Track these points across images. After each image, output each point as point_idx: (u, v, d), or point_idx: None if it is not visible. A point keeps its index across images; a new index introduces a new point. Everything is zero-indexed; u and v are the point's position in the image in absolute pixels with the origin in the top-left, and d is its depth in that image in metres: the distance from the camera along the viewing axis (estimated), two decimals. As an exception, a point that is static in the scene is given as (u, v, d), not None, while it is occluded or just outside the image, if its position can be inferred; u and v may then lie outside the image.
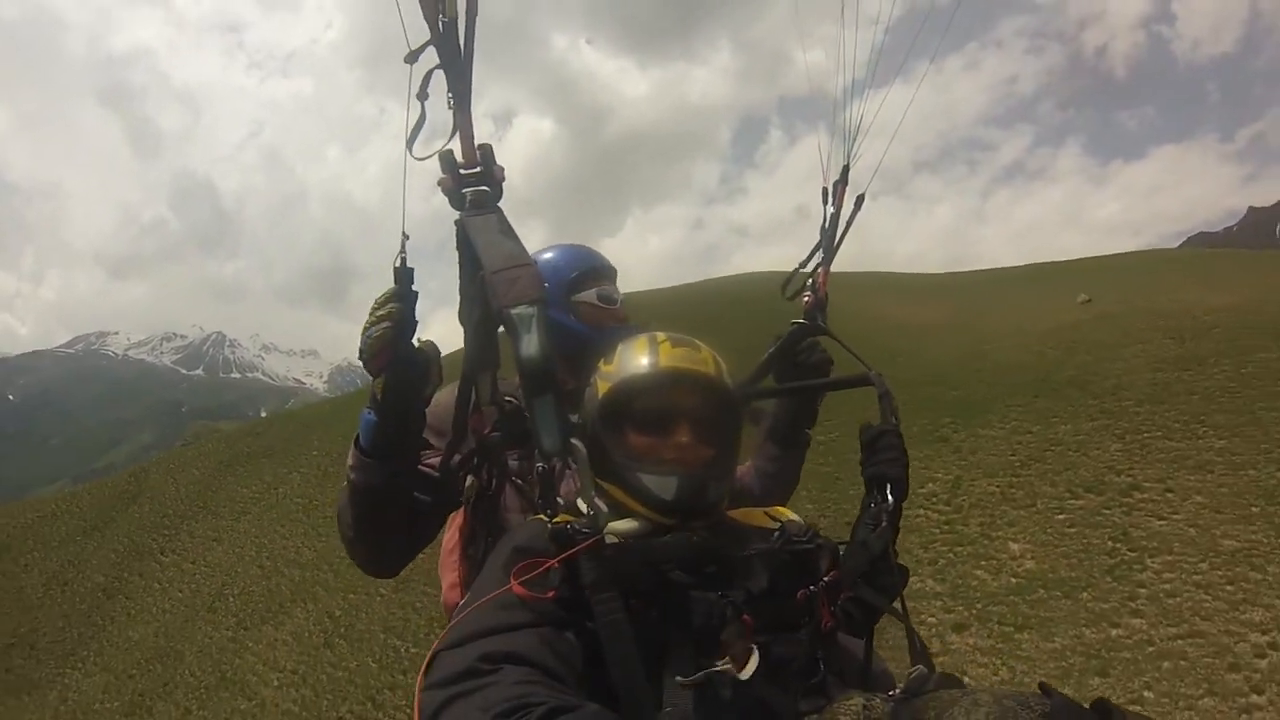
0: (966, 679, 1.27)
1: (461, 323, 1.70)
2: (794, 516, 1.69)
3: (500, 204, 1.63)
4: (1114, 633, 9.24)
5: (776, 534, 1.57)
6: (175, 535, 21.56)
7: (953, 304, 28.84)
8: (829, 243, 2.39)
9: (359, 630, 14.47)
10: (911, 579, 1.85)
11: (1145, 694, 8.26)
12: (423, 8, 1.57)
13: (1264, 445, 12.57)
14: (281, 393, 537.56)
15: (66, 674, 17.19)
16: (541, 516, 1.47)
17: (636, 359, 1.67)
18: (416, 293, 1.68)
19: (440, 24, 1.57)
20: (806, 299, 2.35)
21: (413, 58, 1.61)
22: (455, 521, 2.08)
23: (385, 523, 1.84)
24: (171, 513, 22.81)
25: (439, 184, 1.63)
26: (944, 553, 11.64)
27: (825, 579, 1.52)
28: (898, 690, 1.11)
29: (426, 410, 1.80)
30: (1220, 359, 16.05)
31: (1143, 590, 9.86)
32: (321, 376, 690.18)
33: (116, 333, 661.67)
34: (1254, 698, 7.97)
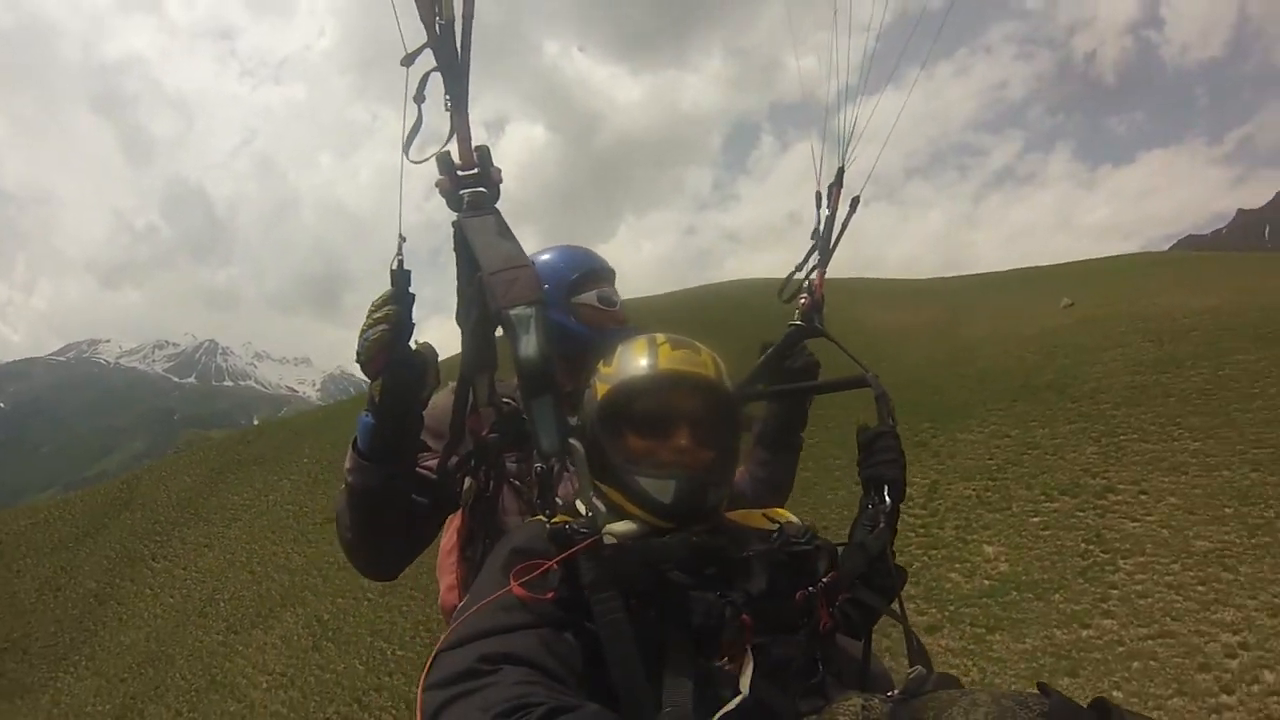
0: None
1: (459, 324, 1.69)
2: (792, 518, 1.70)
3: (497, 205, 1.63)
4: (1084, 633, 9.32)
5: (775, 535, 1.57)
6: (167, 542, 21.63)
7: (937, 309, 28.96)
8: (825, 245, 2.39)
9: (346, 633, 14.58)
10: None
11: (1114, 694, 8.32)
12: (419, 10, 1.56)
13: (1239, 446, 12.69)
14: (274, 401, 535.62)
15: (59, 678, 17.27)
16: (540, 517, 1.47)
17: (636, 361, 1.66)
18: (413, 295, 1.68)
19: (437, 26, 1.57)
20: (803, 300, 2.35)
21: (409, 60, 1.61)
22: (453, 523, 2.08)
23: (383, 525, 1.82)
24: (163, 519, 22.88)
25: (436, 185, 1.62)
26: (919, 556, 11.73)
27: (823, 580, 1.52)
28: (896, 691, 1.11)
29: (425, 412, 1.79)
30: (1198, 361, 16.19)
31: (1114, 591, 9.94)
32: (314, 384, 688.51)
33: (108, 340, 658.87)
34: (1224, 698, 8.02)
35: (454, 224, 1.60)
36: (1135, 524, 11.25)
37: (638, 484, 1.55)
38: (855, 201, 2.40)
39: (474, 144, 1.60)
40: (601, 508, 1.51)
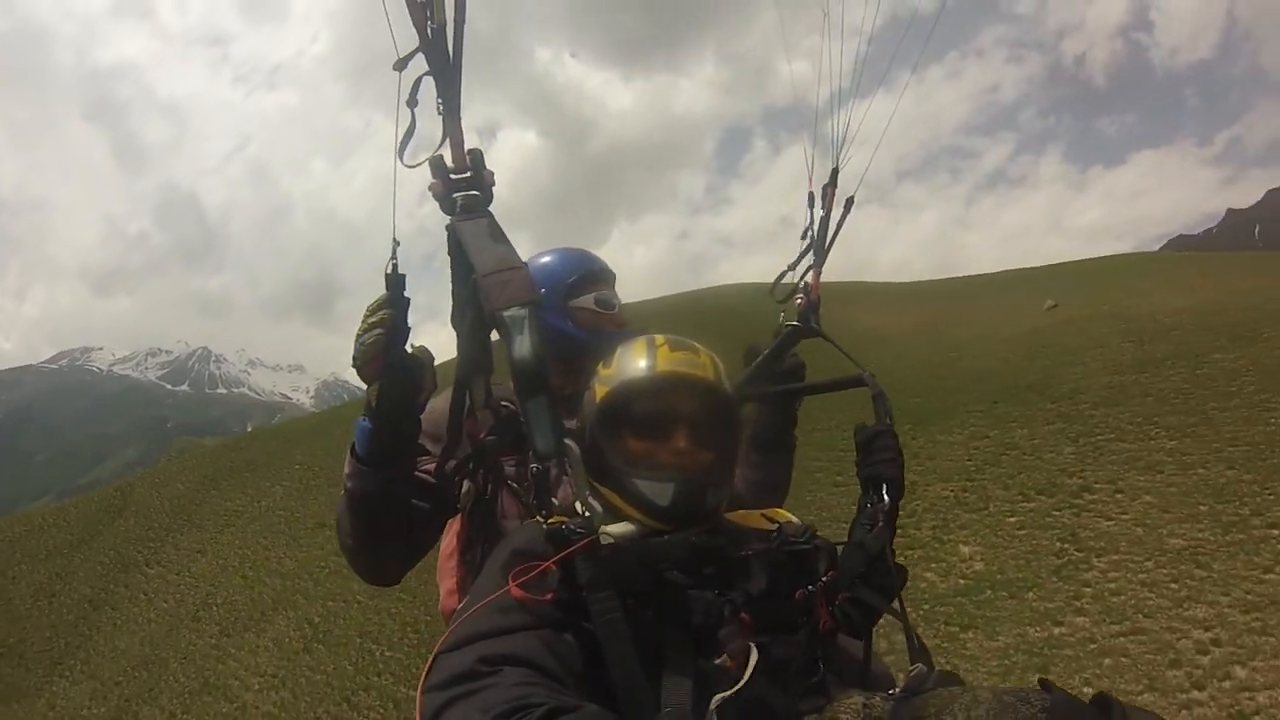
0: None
1: (455, 327, 1.67)
2: (792, 518, 1.72)
3: (491, 208, 1.63)
4: (1057, 631, 9.35)
5: (774, 535, 1.58)
6: (160, 548, 21.74)
7: (923, 311, 29.14)
8: (820, 245, 2.37)
9: (336, 635, 14.67)
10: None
11: (1084, 690, 8.36)
12: (411, 15, 1.56)
13: (1215, 444, 12.79)
14: (268, 408, 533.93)
15: (54, 682, 17.38)
16: (538, 518, 1.48)
17: (634, 362, 1.67)
18: (409, 299, 1.67)
19: (429, 30, 1.56)
20: (799, 301, 2.33)
21: (401, 65, 1.60)
22: (453, 527, 2.08)
23: (383, 530, 1.81)
24: (157, 526, 22.97)
25: (430, 189, 1.62)
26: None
27: (823, 579, 1.52)
28: (897, 689, 1.12)
29: (422, 416, 1.78)
30: (1177, 361, 16.33)
31: (1088, 589, 9.97)
32: (308, 391, 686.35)
33: (101, 348, 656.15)
34: (1194, 694, 7.97)
35: (448, 227, 1.59)
36: (1110, 523, 11.31)
37: (635, 486, 1.57)
38: (850, 202, 2.40)
39: (467, 148, 1.61)
40: (598, 507, 1.46)
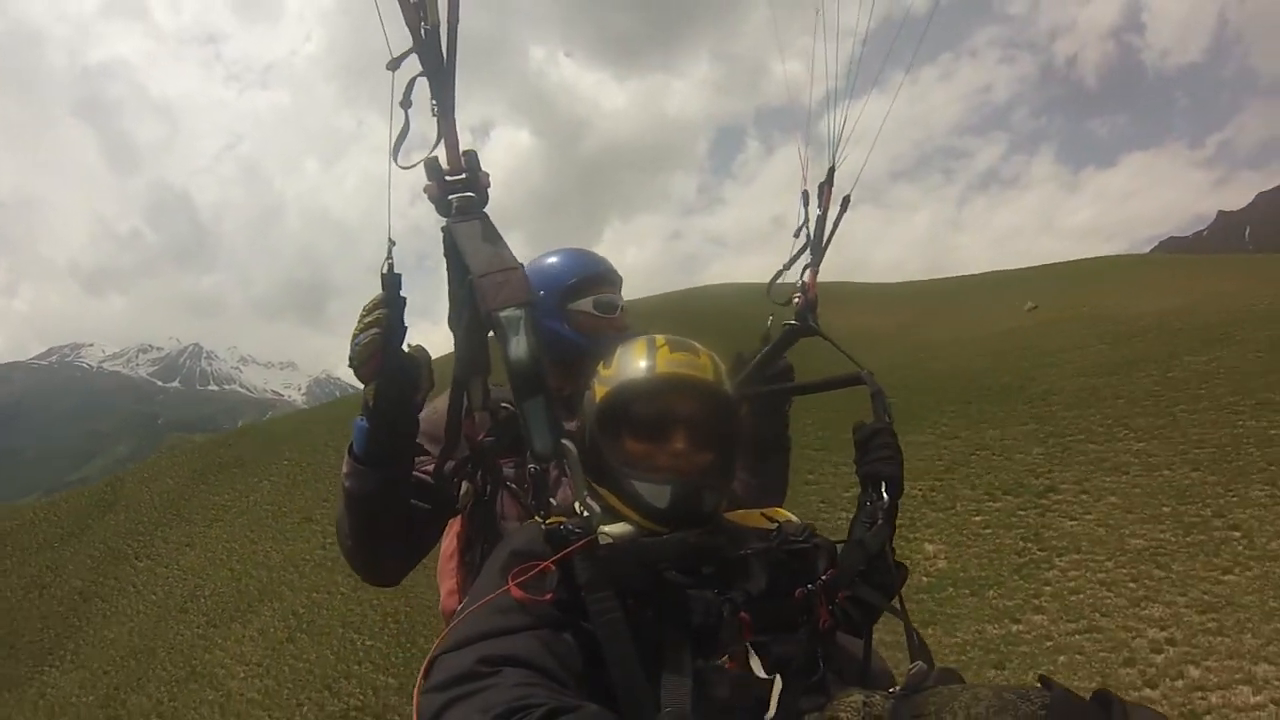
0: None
1: (451, 328, 1.64)
2: (791, 517, 1.70)
3: (486, 210, 1.61)
4: (1015, 628, 9.52)
5: (774, 534, 1.56)
6: (150, 541, 21.93)
7: (909, 312, 29.30)
8: (817, 245, 2.34)
9: (319, 625, 14.89)
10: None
11: (1038, 685, 8.52)
12: (404, 15, 1.53)
13: (1181, 446, 13.00)
14: (259, 405, 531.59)
15: (45, 672, 17.55)
16: (536, 519, 1.48)
17: (634, 363, 1.64)
18: (405, 299, 1.65)
19: (422, 31, 1.53)
20: (797, 300, 2.31)
21: (395, 64, 1.57)
22: (453, 528, 2.07)
23: (382, 530, 1.79)
24: (147, 520, 23.16)
25: (425, 191, 1.59)
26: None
27: (823, 578, 1.50)
28: (897, 687, 1.12)
29: (422, 416, 1.76)
30: (1150, 363, 16.53)
31: (1048, 588, 10.15)
32: (300, 389, 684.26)
33: (91, 345, 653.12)
34: (1147, 691, 8.01)
35: (443, 229, 1.57)
36: (1074, 523, 11.49)
37: (633, 487, 1.55)
38: (846, 200, 2.37)
39: (461, 149, 1.58)
40: (596, 507, 1.45)
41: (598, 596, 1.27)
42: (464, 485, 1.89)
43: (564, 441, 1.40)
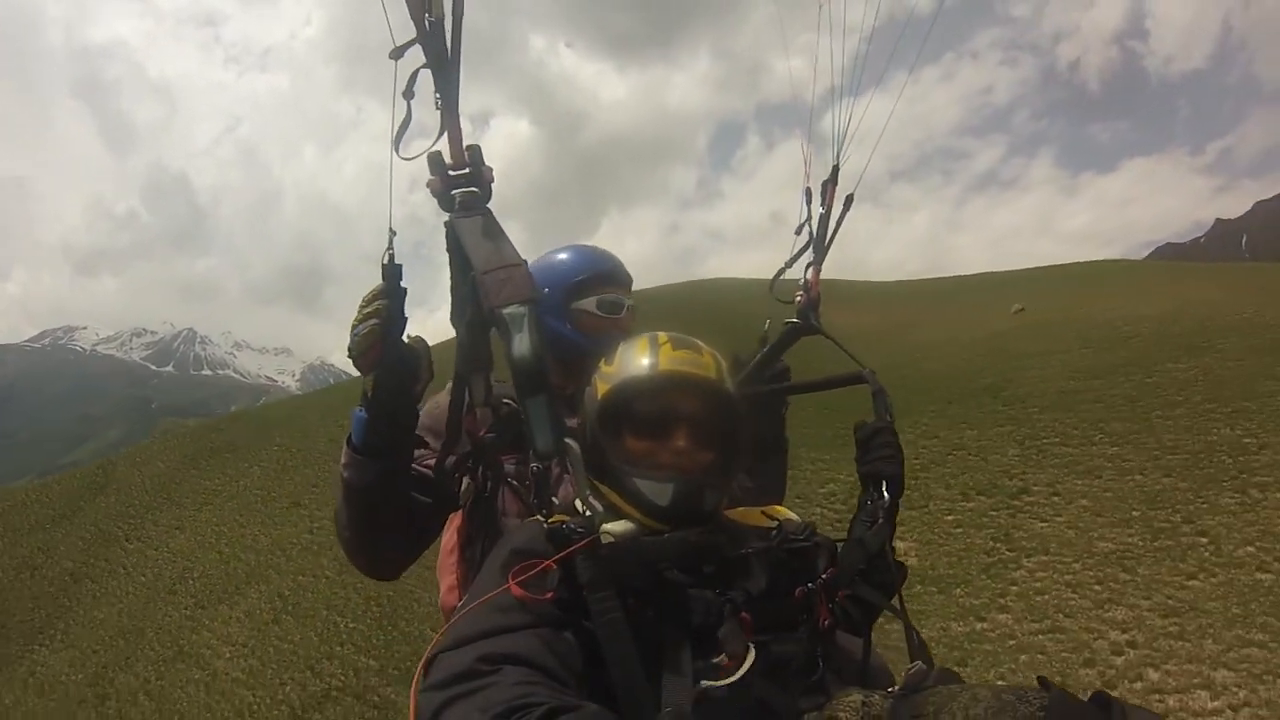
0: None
1: (454, 324, 1.65)
2: (791, 515, 1.68)
3: (489, 205, 1.60)
4: (979, 626, 9.67)
5: (774, 533, 1.56)
6: (140, 524, 22.06)
7: (902, 312, 29.40)
8: (820, 242, 2.33)
9: (304, 608, 15.06)
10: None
11: (998, 684, 8.63)
12: (409, 7, 1.53)
13: (1155, 452, 13.17)
14: (253, 390, 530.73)
15: (35, 651, 17.69)
16: (538, 517, 1.48)
17: (636, 360, 1.63)
18: (405, 289, 1.64)
19: (426, 23, 1.53)
20: (799, 298, 2.31)
21: (398, 54, 1.56)
22: (454, 523, 2.05)
23: (381, 522, 1.77)
24: (137, 503, 23.29)
25: (428, 185, 1.59)
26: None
27: (823, 577, 1.51)
28: (897, 687, 1.13)
29: (424, 411, 1.77)
30: (1130, 369, 16.67)
31: (1014, 588, 10.31)
32: (294, 375, 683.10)
33: (84, 328, 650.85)
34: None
35: (446, 224, 1.58)
36: (1044, 524, 11.66)
37: (635, 485, 1.54)
38: (849, 199, 2.36)
39: (465, 143, 1.59)
40: (598, 506, 1.47)
41: (599, 596, 1.27)
42: (465, 481, 1.90)
43: (566, 440, 1.41)
